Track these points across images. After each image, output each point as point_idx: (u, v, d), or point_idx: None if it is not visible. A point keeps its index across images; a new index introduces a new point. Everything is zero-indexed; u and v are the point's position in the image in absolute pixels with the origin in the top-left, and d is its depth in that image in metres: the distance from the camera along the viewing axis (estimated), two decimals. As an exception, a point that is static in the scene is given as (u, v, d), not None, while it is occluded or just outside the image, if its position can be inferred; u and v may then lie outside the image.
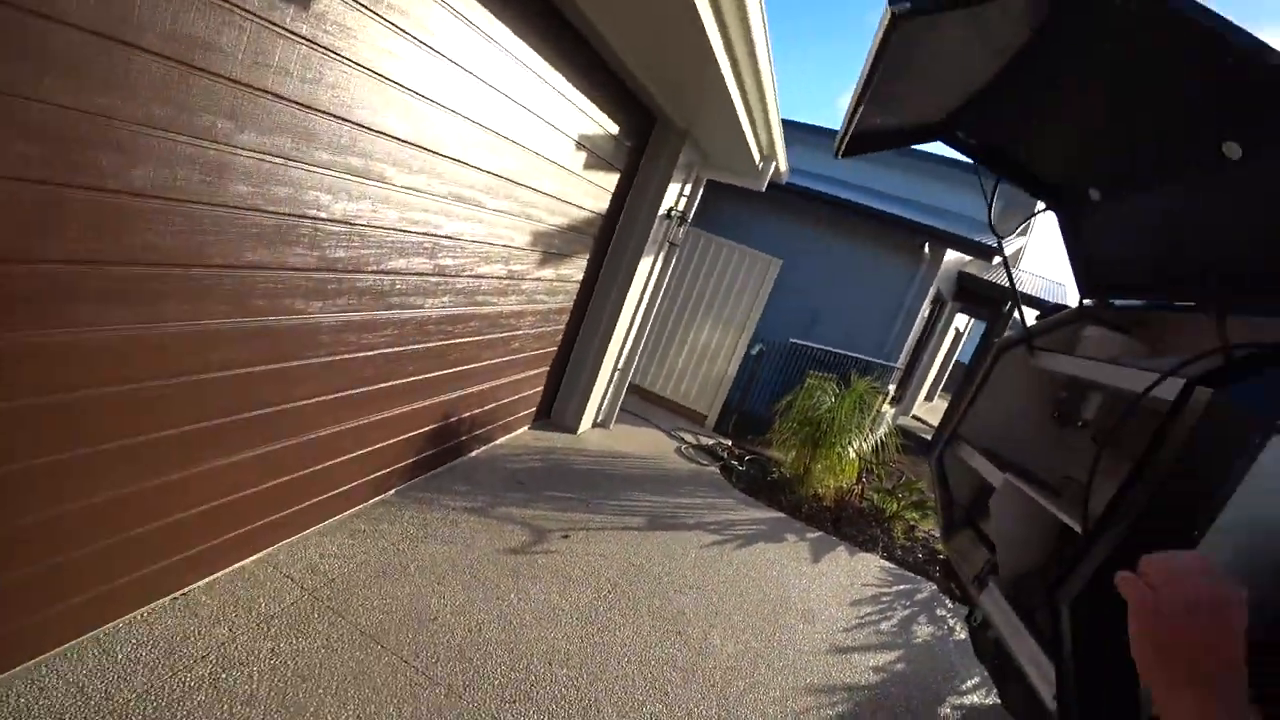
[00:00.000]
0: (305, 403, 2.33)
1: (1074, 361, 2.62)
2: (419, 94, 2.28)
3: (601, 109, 3.66)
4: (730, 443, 6.32)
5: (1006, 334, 3.03)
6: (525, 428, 4.60)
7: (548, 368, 4.52)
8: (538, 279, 3.78)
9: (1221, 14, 1.36)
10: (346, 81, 1.96)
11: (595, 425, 5.24)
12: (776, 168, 5.08)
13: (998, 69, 2.01)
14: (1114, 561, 1.49)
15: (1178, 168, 1.85)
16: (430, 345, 2.96)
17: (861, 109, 2.17)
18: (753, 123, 4.07)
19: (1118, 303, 2.68)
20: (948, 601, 4.42)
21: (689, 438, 6.02)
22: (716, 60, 3.00)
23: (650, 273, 5.04)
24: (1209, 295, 1.72)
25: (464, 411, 3.56)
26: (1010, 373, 2.89)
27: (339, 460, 2.66)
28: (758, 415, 7.26)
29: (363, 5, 1.91)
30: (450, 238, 2.78)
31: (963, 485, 2.99)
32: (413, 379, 2.94)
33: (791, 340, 7.66)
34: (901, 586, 4.49)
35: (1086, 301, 2.84)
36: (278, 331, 2.09)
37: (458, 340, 3.17)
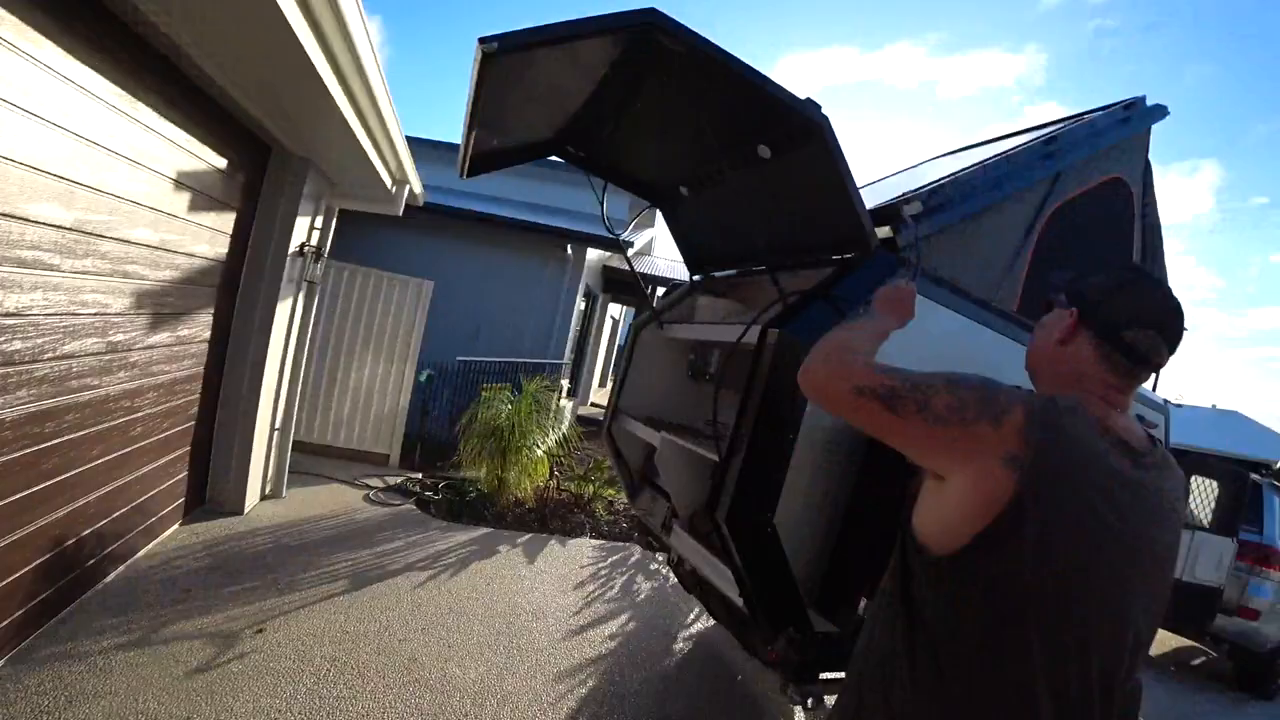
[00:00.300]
0: None
1: (693, 327, 3.17)
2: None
3: (204, 142, 3.24)
4: (421, 475, 6.14)
5: (641, 315, 3.52)
6: (175, 525, 3.85)
7: (188, 448, 3.85)
8: (151, 347, 3.20)
9: (738, 57, 1.81)
10: None
11: (264, 498, 4.62)
12: (411, 190, 5.03)
13: (590, 93, 2.32)
14: (747, 476, 1.90)
15: (734, 166, 2.36)
16: (13, 458, 2.33)
17: (475, 134, 2.33)
18: (377, 147, 3.97)
19: (718, 274, 3.31)
20: (657, 555, 4.99)
21: (375, 482, 5.67)
22: (324, 83, 2.86)
23: (292, 317, 4.60)
24: (765, 258, 2.24)
25: (83, 528, 2.86)
26: (649, 347, 3.38)
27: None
28: (442, 440, 7.16)
29: None
30: (14, 314, 2.22)
31: (634, 452, 3.42)
32: (-6, 506, 2.28)
33: (459, 358, 7.69)
34: (614, 558, 4.92)
35: (695, 277, 3.44)
36: None
37: (53, 442, 2.54)
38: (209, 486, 4.21)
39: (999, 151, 2.89)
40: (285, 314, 4.42)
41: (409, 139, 4.24)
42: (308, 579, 3.57)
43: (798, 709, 3.32)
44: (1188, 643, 6.50)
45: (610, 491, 6.23)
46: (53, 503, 2.62)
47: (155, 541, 3.60)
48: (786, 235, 2.50)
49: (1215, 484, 3.65)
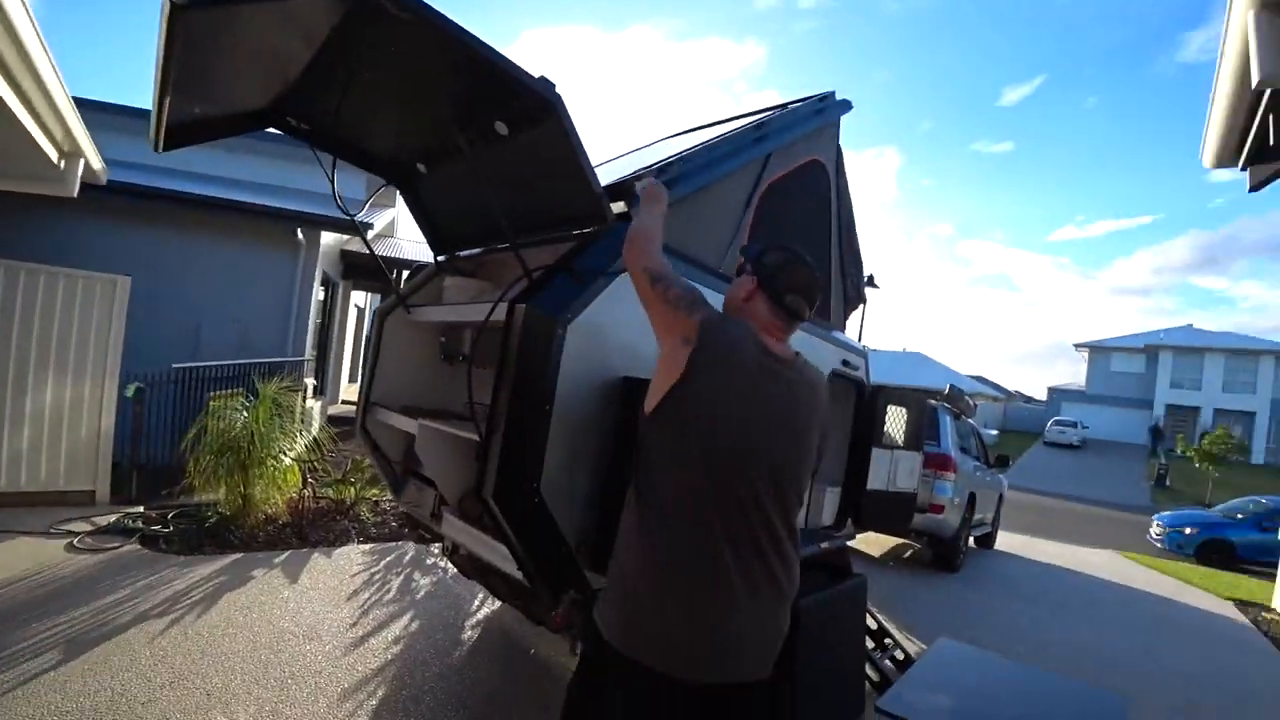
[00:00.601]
0: None
1: (442, 309, 3.08)
2: None
3: None
4: (142, 509, 5.22)
5: (385, 301, 3.32)
6: None
7: None
8: None
9: (470, 30, 1.74)
10: None
11: (-95, 569, 3.60)
12: (88, 165, 4.15)
13: (310, 59, 2.09)
14: (508, 452, 1.91)
15: (472, 143, 2.30)
16: None
17: (169, 100, 2.00)
18: (30, 108, 3.20)
19: (463, 254, 3.22)
20: (432, 548, 4.80)
21: (81, 526, 4.70)
22: None
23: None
24: (507, 234, 2.23)
25: None
26: (397, 333, 3.20)
27: None
28: (165, 464, 6.14)
29: None
30: None
31: (394, 444, 3.24)
32: None
33: (175, 366, 6.62)
34: (387, 560, 4.65)
35: (440, 257, 3.31)
36: None
37: None
38: None
39: (720, 134, 3.18)
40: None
41: (85, 101, 3.48)
42: (2, 658, 2.85)
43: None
44: (899, 541, 7.97)
45: (374, 491, 5.85)
46: None
47: None
48: (528, 212, 2.51)
49: (904, 410, 4.44)
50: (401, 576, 4.37)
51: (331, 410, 11.57)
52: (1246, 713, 4.36)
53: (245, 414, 5.10)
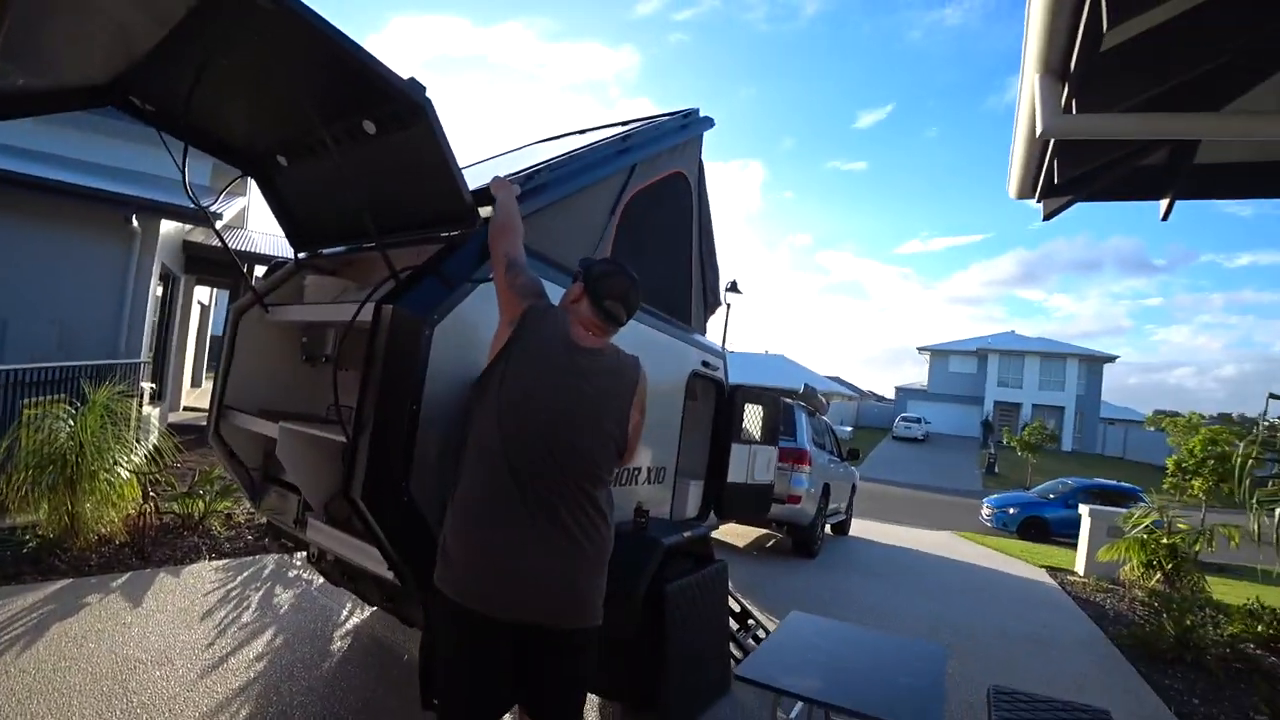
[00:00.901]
0: None
1: (304, 309, 3.00)
2: None
3: None
4: (-61, 532, 4.58)
5: (239, 299, 3.16)
6: None
7: None
8: None
9: (338, 26, 1.74)
10: None
11: None
12: None
13: (163, 37, 2.00)
14: (377, 452, 1.93)
15: (338, 140, 2.27)
16: None
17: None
18: None
19: (327, 252, 3.14)
20: (294, 560, 4.58)
21: None
22: None
23: None
24: (372, 234, 2.24)
25: None
26: (254, 333, 3.07)
27: None
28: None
29: None
30: None
31: (252, 450, 3.11)
32: None
33: (-14, 370, 5.85)
34: (244, 575, 4.40)
35: (301, 255, 3.20)
36: None
37: None
38: None
39: (587, 143, 3.31)
40: None
41: None
42: None
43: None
44: (762, 532, 8.48)
45: (225, 504, 5.48)
46: None
47: None
48: (395, 212, 2.51)
49: (760, 408, 4.79)
50: (261, 591, 4.14)
51: (173, 417, 10.58)
52: (1048, 654, 5.13)
53: (71, 423, 4.62)
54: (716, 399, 4.21)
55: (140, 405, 5.73)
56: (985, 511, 14.84)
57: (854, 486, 10.49)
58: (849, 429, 34.12)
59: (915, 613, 5.91)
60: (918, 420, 38.74)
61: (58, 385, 6.07)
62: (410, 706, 3.00)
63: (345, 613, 3.94)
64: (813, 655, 2.54)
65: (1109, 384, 42.16)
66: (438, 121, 2.08)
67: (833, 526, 9.51)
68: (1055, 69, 2.20)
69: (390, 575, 2.20)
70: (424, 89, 2.03)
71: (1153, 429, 30.36)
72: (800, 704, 2.55)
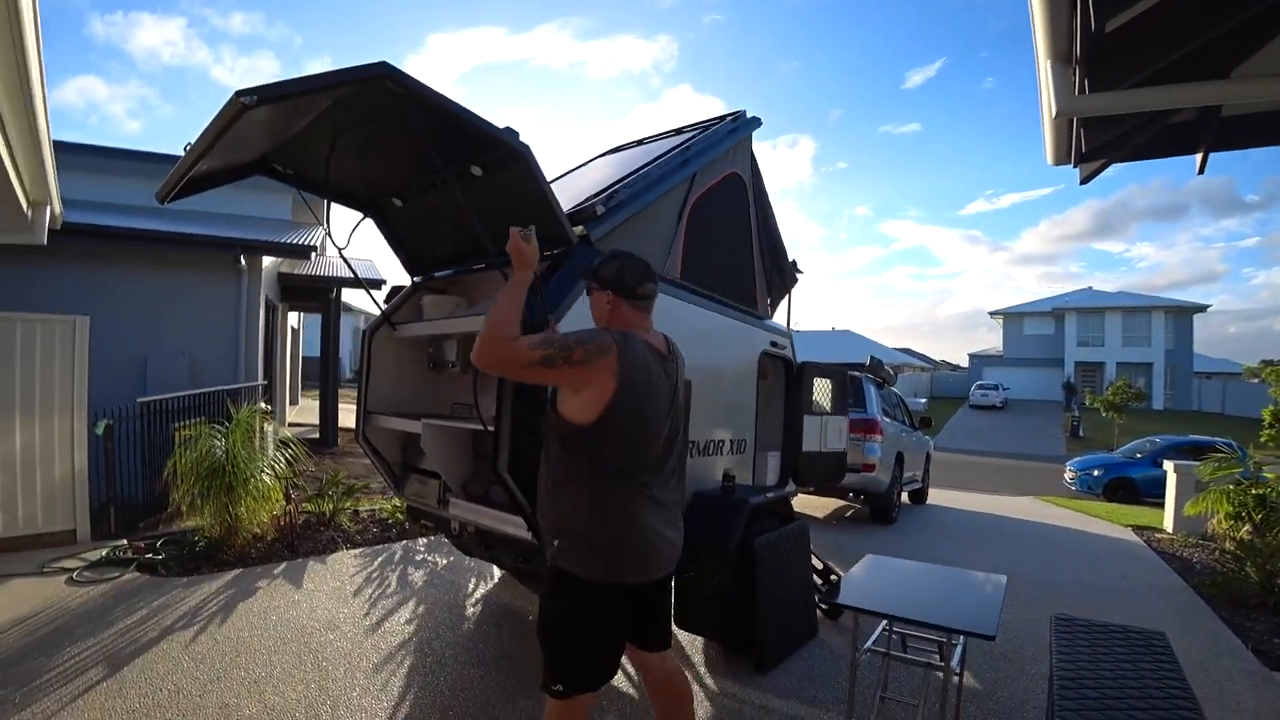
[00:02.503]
0: None
1: (425, 325, 3.53)
2: None
3: None
4: (126, 541, 5.40)
5: (365, 321, 3.74)
6: None
7: None
8: None
9: (452, 98, 2.22)
10: None
11: (-78, 613, 3.78)
12: (51, 212, 4.36)
13: (309, 121, 2.53)
14: (515, 433, 2.41)
15: (451, 182, 2.76)
16: None
17: (198, 165, 2.40)
18: (17, 167, 3.44)
19: (438, 274, 3.68)
20: (419, 545, 5.21)
21: (72, 562, 4.87)
22: None
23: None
24: (492, 259, 2.72)
25: None
26: (385, 349, 3.64)
27: None
28: (141, 497, 6.31)
29: None
30: None
31: (393, 446, 3.68)
32: None
33: (140, 400, 6.74)
34: (380, 560, 5.04)
35: (416, 279, 3.75)
36: None
37: None
38: None
39: (649, 158, 3.72)
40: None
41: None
42: (48, 682, 3.09)
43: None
44: (841, 503, 8.75)
45: (349, 503, 6.19)
46: None
47: None
48: (501, 237, 2.98)
49: (828, 381, 5.11)
50: (397, 573, 4.77)
51: (282, 433, 11.56)
52: (1125, 601, 5.24)
53: (222, 440, 5.36)
54: (786, 375, 4.57)
55: (264, 423, 6.46)
56: (1069, 475, 14.51)
57: (928, 455, 10.59)
58: (923, 400, 33.39)
59: (990, 566, 6.06)
60: (995, 387, 37.58)
61: (196, 410, 6.92)
62: (539, 655, 3.51)
63: (471, 586, 4.52)
64: (886, 587, 2.90)
65: (1204, 335, 39.89)
66: (536, 162, 2.54)
67: (910, 495, 9.66)
68: (1062, 54, 2.45)
69: (528, 535, 2.69)
70: (518, 134, 2.49)
71: (1256, 380, 28.47)
72: (878, 632, 2.90)
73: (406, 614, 4.02)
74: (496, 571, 4.77)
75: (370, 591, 4.38)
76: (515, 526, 2.74)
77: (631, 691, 3.19)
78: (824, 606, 4.24)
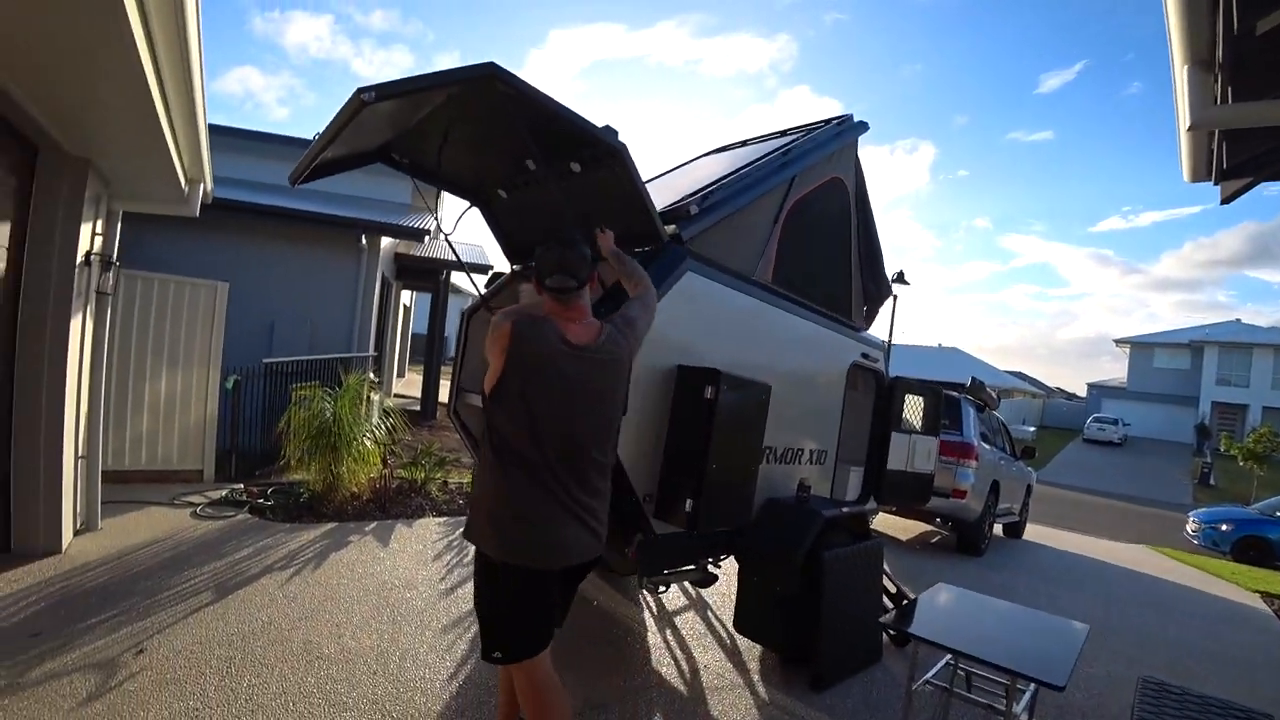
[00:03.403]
0: None
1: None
2: None
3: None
4: (243, 486, 5.95)
5: (469, 303, 3.93)
6: (-19, 573, 3.56)
7: (-14, 487, 3.57)
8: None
9: (556, 99, 2.32)
10: None
11: (79, 533, 4.31)
12: (204, 189, 4.85)
13: (423, 116, 2.70)
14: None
15: (551, 177, 2.87)
16: None
17: (324, 154, 2.61)
18: (179, 147, 3.85)
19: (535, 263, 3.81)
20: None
21: (198, 499, 5.44)
22: (147, 83, 2.74)
23: (84, 335, 4.31)
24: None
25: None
26: (481, 331, 3.81)
27: None
28: (259, 447, 6.92)
29: None
30: None
31: (479, 423, 3.84)
32: None
33: (264, 360, 7.39)
34: (460, 529, 5.29)
35: (515, 266, 3.91)
36: None
37: None
38: (13, 530, 3.88)
39: (751, 159, 3.71)
40: (77, 330, 4.14)
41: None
42: (167, 598, 3.54)
43: (645, 611, 4.05)
44: (927, 527, 8.39)
45: (440, 474, 6.52)
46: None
47: (-35, 594, 3.33)
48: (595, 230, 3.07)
49: (921, 399, 4.93)
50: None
51: (386, 403, 12.32)
52: (1237, 671, 4.71)
53: (331, 404, 5.79)
54: (876, 389, 4.44)
55: (369, 390, 6.93)
56: (1191, 526, 13.18)
57: (1029, 487, 9.95)
58: (1031, 428, 31.38)
59: (1083, 615, 5.65)
60: (1114, 421, 34.69)
61: (312, 374, 7.50)
62: (596, 639, 3.61)
63: (543, 565, 4.68)
64: (956, 619, 2.79)
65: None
66: (631, 161, 2.61)
67: (1004, 528, 9.13)
68: (1202, 59, 2.24)
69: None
70: (617, 133, 2.56)
71: None
72: (939, 665, 2.79)
73: (480, 584, 4.22)
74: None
75: (449, 558, 4.63)
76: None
77: (632, 690, 3.22)
78: (891, 631, 4.11)
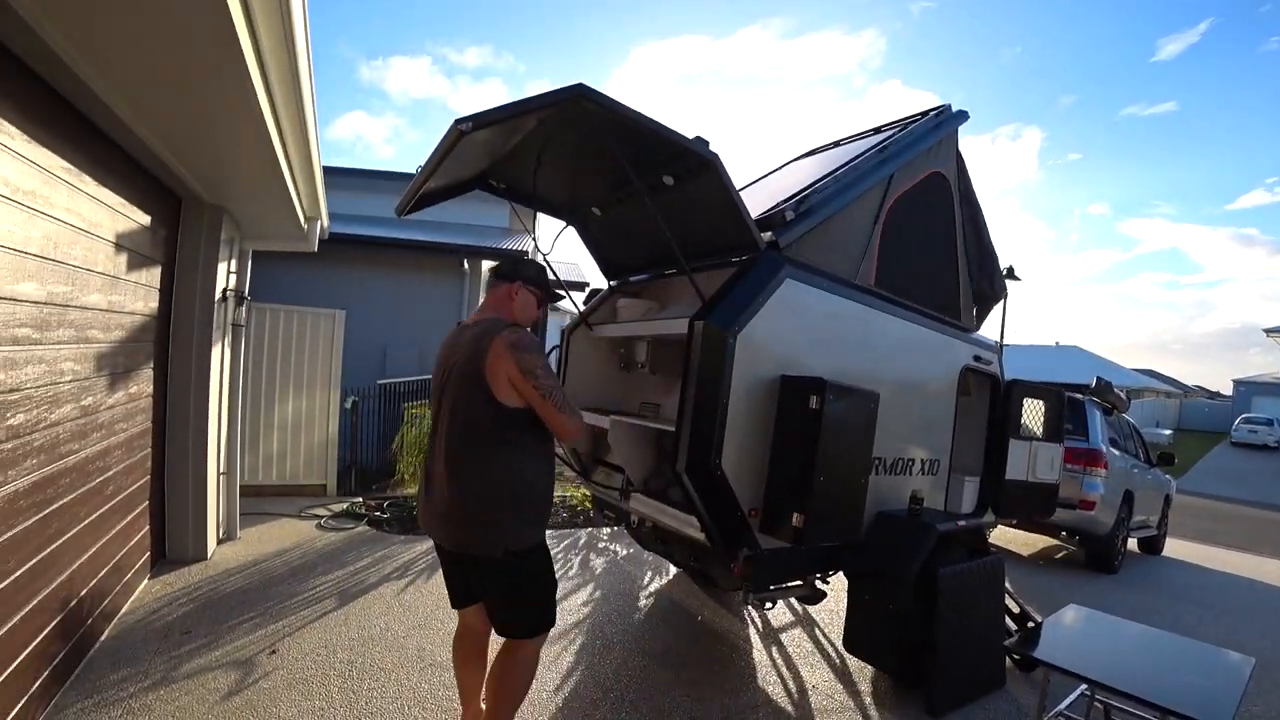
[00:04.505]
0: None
1: (619, 326, 3.70)
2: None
3: (130, 201, 3.40)
4: (362, 499, 6.32)
5: (566, 321, 4.01)
6: (145, 579, 3.95)
7: (147, 502, 3.96)
8: (113, 406, 3.36)
9: (646, 114, 2.33)
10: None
11: (221, 542, 4.73)
12: (321, 225, 5.23)
13: (517, 141, 2.78)
14: (695, 435, 2.47)
15: (644, 191, 2.88)
16: (29, 524, 2.51)
17: (428, 183, 2.74)
18: (298, 191, 4.19)
19: (633, 279, 3.85)
20: (602, 534, 5.49)
21: (322, 511, 5.83)
22: (270, 137, 3.06)
23: (223, 363, 4.73)
24: (681, 265, 2.79)
25: (80, 590, 2.99)
26: (581, 347, 3.88)
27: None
28: (376, 463, 7.33)
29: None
30: (16, 390, 2.42)
31: (583, 438, 3.90)
32: (17, 575, 2.43)
33: (379, 382, 7.85)
34: (565, 543, 5.41)
35: (613, 283, 3.96)
36: None
37: (55, 506, 2.72)
38: (168, 538, 4.30)
39: (845, 159, 3.60)
40: (218, 360, 4.55)
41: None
42: (296, 603, 3.81)
43: (750, 627, 3.97)
44: (1052, 542, 7.80)
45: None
46: (58, 564, 2.78)
47: (132, 598, 3.71)
48: (691, 243, 3.07)
49: (1041, 403, 4.59)
50: (579, 557, 5.09)
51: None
52: None
53: (440, 421, 6.04)
54: (991, 394, 4.18)
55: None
56: (1372, 539, 11.63)
57: (1168, 497, 9.05)
58: (1167, 432, 28.64)
59: (1238, 646, 5.05)
60: (1268, 422, 31.00)
61: (423, 393, 7.90)
62: (701, 654, 3.56)
63: (647, 579, 4.69)
64: (1092, 645, 2.54)
65: None
66: (724, 170, 2.57)
67: (1140, 543, 8.35)
68: None
69: (702, 537, 2.74)
70: (708, 144, 2.54)
71: None
72: (1074, 696, 2.56)
73: (583, 596, 4.27)
74: (672, 569, 4.90)
75: (555, 570, 4.71)
76: (690, 526, 2.81)
77: (739, 709, 3.12)
78: (1015, 656, 3.82)
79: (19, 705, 2.44)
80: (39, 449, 2.62)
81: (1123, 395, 7.70)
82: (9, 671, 2.38)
